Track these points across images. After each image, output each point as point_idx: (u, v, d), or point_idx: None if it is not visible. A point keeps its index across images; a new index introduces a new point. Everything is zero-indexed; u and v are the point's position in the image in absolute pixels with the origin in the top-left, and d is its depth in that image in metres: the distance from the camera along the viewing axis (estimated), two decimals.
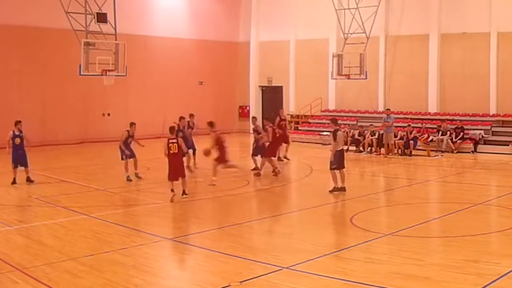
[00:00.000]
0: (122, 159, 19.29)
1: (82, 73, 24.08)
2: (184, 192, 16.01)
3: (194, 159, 21.57)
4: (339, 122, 18.48)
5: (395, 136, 26.47)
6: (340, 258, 10.48)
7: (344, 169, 16.93)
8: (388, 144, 26.15)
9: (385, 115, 26.84)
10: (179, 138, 16.18)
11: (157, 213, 14.78)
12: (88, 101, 31.49)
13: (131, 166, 19.31)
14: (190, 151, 20.92)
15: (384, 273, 9.45)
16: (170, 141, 15.72)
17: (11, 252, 10.83)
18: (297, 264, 9.94)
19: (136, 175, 19.41)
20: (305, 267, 9.78)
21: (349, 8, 30.99)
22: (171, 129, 16.25)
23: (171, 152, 15.67)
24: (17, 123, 18.71)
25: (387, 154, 26.00)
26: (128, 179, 19.04)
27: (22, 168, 18.69)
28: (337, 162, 16.74)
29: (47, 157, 26.26)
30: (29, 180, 18.63)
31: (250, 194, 18.36)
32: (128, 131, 19.45)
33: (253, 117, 24.32)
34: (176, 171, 15.88)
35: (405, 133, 26.75)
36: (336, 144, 16.78)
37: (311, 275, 9.40)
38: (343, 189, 16.77)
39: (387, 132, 26.09)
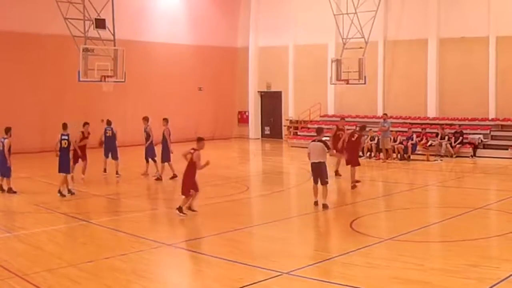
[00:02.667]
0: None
1: (81, 79, 24.08)
2: (190, 208, 14.69)
3: (157, 167, 20.91)
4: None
5: (395, 141, 26.50)
6: (340, 263, 10.47)
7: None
8: (385, 149, 26.16)
9: (382, 120, 26.87)
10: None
11: (156, 219, 14.77)
12: (87, 107, 31.44)
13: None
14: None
15: (384, 278, 9.44)
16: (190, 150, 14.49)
17: (11, 258, 10.81)
18: (297, 269, 9.92)
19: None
20: (305, 272, 9.77)
21: (347, 13, 30.98)
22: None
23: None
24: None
25: (386, 158, 26.00)
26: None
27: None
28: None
29: (46, 163, 26.18)
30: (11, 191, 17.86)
31: (250, 199, 18.35)
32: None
33: (144, 117, 21.78)
34: (191, 183, 14.51)
35: (404, 138, 26.78)
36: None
37: (311, 280, 9.40)
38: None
39: (384, 136, 26.10)
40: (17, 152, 26.85)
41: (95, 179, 20.75)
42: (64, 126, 17.74)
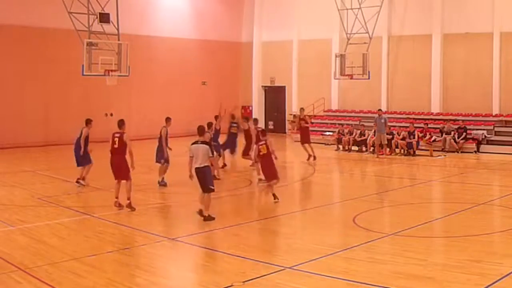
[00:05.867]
0: (159, 162, 18.14)
1: (85, 73, 24.10)
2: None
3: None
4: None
5: (398, 135, 26.52)
6: (343, 258, 10.47)
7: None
8: (379, 145, 26.14)
9: (377, 115, 26.84)
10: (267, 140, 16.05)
11: (159, 213, 14.78)
12: (91, 101, 31.47)
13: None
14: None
15: (387, 273, 9.44)
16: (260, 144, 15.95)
17: (14, 252, 10.84)
18: (300, 264, 9.93)
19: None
20: (308, 267, 9.77)
21: (351, 8, 30.97)
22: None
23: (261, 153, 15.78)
24: None
25: (381, 154, 25.95)
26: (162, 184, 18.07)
27: None
28: None
29: (50, 157, 26.29)
30: None
31: (253, 194, 18.35)
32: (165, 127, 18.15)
33: (255, 119, 21.55)
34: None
35: (406, 133, 26.79)
36: None
37: (314, 275, 9.40)
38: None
39: (380, 132, 26.07)
40: (20, 146, 27.02)
41: (100, 173, 20.72)
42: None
